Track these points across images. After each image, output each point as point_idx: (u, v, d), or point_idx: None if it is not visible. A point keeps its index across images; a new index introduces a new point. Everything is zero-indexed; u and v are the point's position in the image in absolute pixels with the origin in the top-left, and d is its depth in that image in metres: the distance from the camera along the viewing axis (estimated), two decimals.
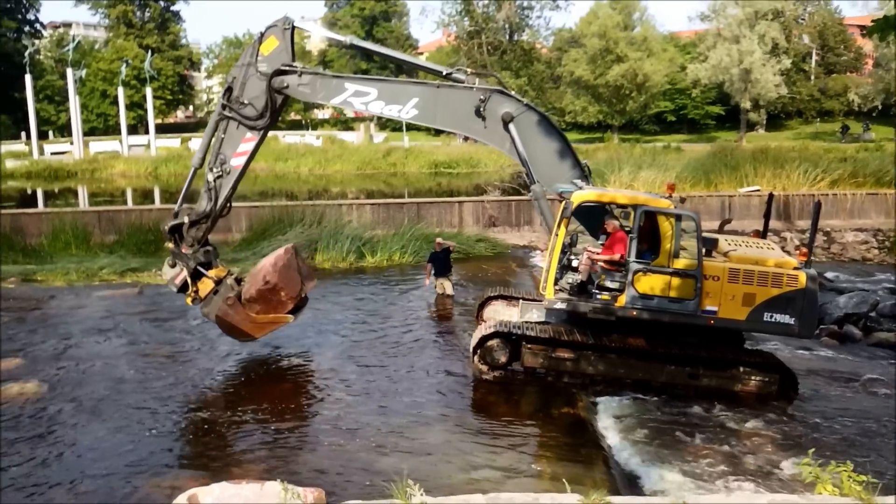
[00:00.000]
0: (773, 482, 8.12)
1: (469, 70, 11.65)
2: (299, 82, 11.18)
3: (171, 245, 11.40)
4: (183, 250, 11.30)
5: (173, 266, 11.36)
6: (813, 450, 6.72)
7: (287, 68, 11.10)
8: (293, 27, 11.28)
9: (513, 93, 11.34)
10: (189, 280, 11.26)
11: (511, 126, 10.92)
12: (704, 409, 10.14)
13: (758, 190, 25.64)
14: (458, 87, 11.21)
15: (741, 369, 10.53)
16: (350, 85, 11.32)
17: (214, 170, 11.24)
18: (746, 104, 60.89)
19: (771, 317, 10.10)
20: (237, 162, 11.32)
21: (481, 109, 10.93)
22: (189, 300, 11.45)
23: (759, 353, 11.12)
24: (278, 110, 11.52)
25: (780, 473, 8.33)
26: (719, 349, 10.65)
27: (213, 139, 11.36)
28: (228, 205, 11.63)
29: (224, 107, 11.19)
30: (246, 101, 11.14)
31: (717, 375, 10.54)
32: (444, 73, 11.50)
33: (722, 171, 28.28)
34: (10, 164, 52.18)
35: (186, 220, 11.25)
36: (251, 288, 11.34)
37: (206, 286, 11.34)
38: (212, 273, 11.40)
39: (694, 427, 9.58)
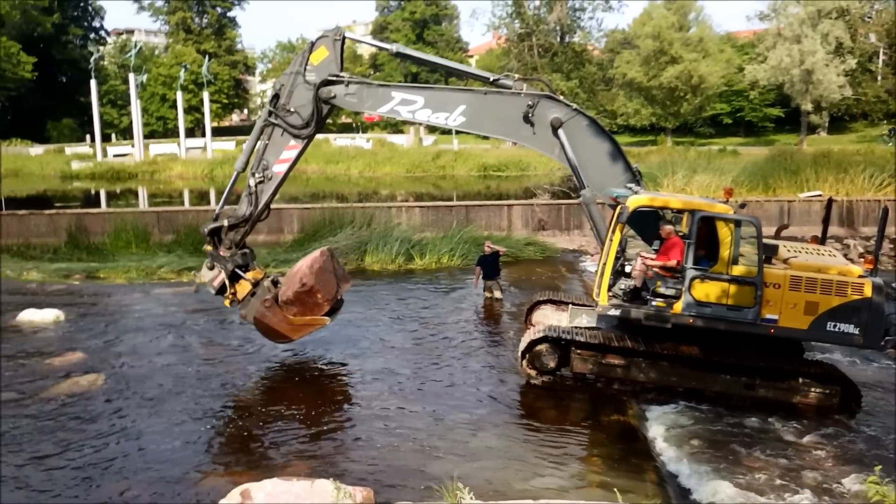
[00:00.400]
0: (834, 499, 7.81)
1: (516, 76, 11.51)
2: (346, 92, 11.18)
3: (209, 248, 11.53)
4: (221, 253, 11.42)
5: (212, 268, 11.47)
6: (879, 466, 6.40)
7: (334, 78, 11.12)
8: (344, 38, 11.30)
9: (561, 98, 11.17)
10: (227, 282, 11.36)
11: (560, 131, 10.76)
12: (760, 420, 9.81)
13: (819, 195, 24.94)
14: (506, 93, 11.09)
15: (800, 380, 10.17)
16: (396, 93, 11.28)
17: (256, 175, 11.30)
18: (808, 106, 59.33)
19: (834, 326, 9.74)
20: (279, 168, 11.37)
21: (529, 115, 10.79)
22: (227, 302, 11.56)
23: (820, 363, 10.73)
24: (323, 119, 11.53)
25: (842, 490, 8.00)
26: (777, 359, 10.32)
27: (258, 144, 11.43)
28: (268, 209, 11.71)
29: (270, 113, 11.26)
30: (292, 109, 11.18)
31: (774, 386, 10.20)
32: (490, 80, 11.39)
33: (781, 176, 27.58)
34: (75, 165, 54.13)
35: (226, 223, 11.38)
36: (288, 290, 11.42)
37: (243, 288, 11.43)
38: (249, 275, 11.49)
39: (749, 439, 9.29)
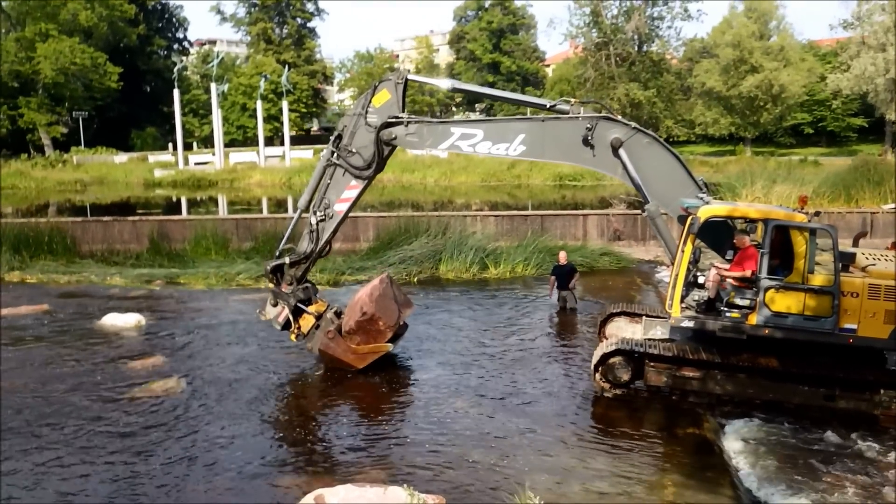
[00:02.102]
0: None
1: (573, 100, 11.53)
2: (406, 132, 11.37)
3: (271, 285, 11.93)
4: (283, 289, 11.81)
5: (275, 305, 11.88)
6: None
7: (394, 120, 11.33)
8: (406, 81, 11.53)
9: (619, 117, 11.15)
10: (291, 317, 11.75)
11: (621, 151, 10.70)
12: (841, 435, 9.58)
13: None
14: (564, 118, 11.07)
15: (883, 392, 9.92)
16: (456, 129, 11.43)
17: (318, 213, 11.65)
18: (892, 116, 57.17)
19: None
20: (340, 207, 11.67)
21: (589, 138, 10.76)
22: (293, 336, 11.96)
23: None
24: (385, 160, 11.76)
25: None
26: (858, 370, 10.08)
27: (320, 183, 11.72)
28: (329, 245, 12.05)
29: (332, 153, 11.55)
30: (354, 150, 11.46)
31: (855, 398, 9.98)
32: (547, 106, 11.45)
33: (864, 187, 26.74)
34: (158, 173, 56.03)
35: (287, 260, 11.76)
36: (350, 320, 11.74)
37: (307, 322, 11.82)
38: (312, 309, 11.86)
39: (830, 454, 9.10)
